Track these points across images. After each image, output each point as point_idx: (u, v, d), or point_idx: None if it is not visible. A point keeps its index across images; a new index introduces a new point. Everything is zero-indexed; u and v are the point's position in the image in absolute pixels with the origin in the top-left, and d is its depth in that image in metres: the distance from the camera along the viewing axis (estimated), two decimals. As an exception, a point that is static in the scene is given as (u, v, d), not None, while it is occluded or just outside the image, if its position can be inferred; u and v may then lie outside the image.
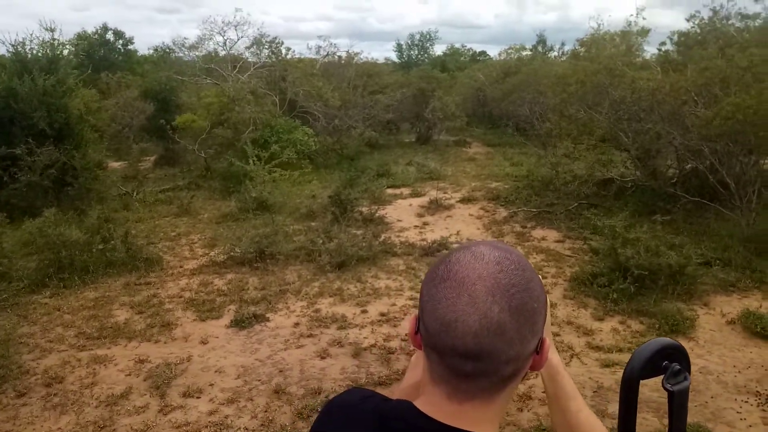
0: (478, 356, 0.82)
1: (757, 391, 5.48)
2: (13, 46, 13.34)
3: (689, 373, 1.17)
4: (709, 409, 5.17)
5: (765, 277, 8.30)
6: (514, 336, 0.82)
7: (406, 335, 6.87)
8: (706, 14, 15.80)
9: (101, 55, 31.55)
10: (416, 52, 54.94)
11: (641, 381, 1.14)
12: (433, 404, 0.88)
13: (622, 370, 1.14)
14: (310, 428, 1.03)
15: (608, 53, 15.87)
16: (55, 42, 13.80)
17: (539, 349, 0.88)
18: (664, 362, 1.14)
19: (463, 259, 0.87)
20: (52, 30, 13.64)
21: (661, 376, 1.14)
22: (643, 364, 1.16)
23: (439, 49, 57.25)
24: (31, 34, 13.76)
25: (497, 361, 0.83)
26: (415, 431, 0.88)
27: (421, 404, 0.90)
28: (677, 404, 1.13)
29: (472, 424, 0.86)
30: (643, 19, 16.34)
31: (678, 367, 1.14)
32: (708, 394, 5.41)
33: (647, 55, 18.58)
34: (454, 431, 0.86)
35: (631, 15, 22.60)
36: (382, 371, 6.10)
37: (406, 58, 53.25)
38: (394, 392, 1.18)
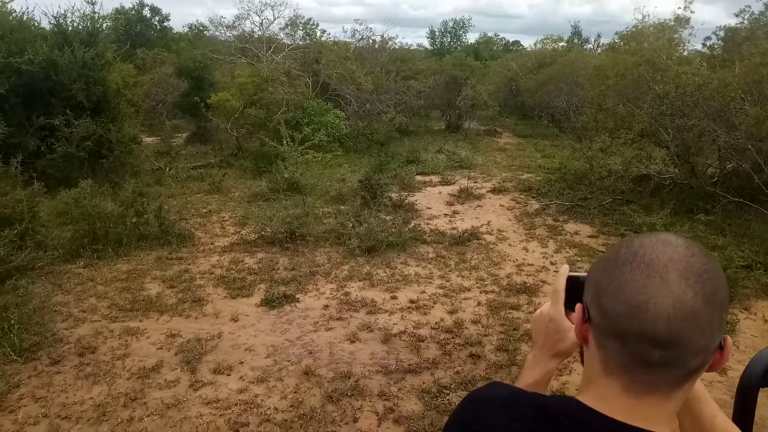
0: (668, 343, 0.76)
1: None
2: (54, 18, 13.46)
3: None
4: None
5: (809, 284, 8.00)
6: (706, 325, 0.76)
7: (436, 324, 6.80)
8: (757, 9, 15.23)
9: (137, 31, 31.82)
10: (449, 39, 54.42)
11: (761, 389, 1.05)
12: (604, 399, 0.81)
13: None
14: (451, 420, 0.95)
15: (651, 46, 15.42)
16: (95, 15, 13.88)
17: (722, 345, 0.80)
18: None
19: (648, 243, 0.81)
20: (93, 3, 13.73)
21: None
22: (764, 371, 1.06)
23: (471, 38, 56.59)
24: (73, 7, 13.89)
25: (686, 350, 0.76)
26: (586, 429, 0.80)
27: (588, 399, 0.83)
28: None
29: (649, 422, 0.78)
30: (692, 12, 15.76)
31: None
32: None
33: (690, 50, 18.05)
34: (631, 429, 0.78)
35: (679, 8, 21.94)
36: (412, 359, 6.04)
37: (438, 45, 52.79)
38: None
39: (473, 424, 0.91)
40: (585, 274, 0.94)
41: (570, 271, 1.11)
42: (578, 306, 0.89)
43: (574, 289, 1.00)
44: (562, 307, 1.10)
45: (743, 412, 1.07)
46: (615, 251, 0.84)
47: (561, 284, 1.09)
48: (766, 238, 9.53)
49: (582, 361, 0.93)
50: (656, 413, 0.80)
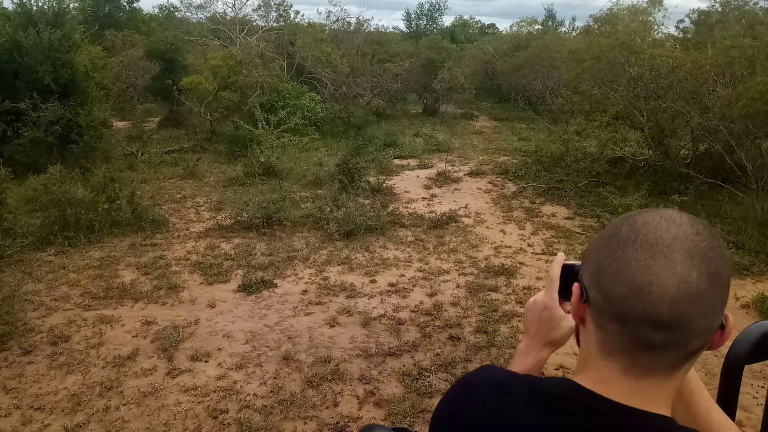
0: (671, 326, 0.73)
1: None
2: (17, -3, 13.00)
3: None
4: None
5: (779, 262, 8.20)
6: (710, 305, 0.74)
7: (415, 306, 6.80)
8: (728, -8, 15.42)
9: (106, 12, 30.84)
10: (425, 22, 54.01)
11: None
12: (602, 381, 0.78)
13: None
14: (441, 405, 0.91)
15: (625, 29, 15.51)
16: (62, -5, 13.44)
17: (724, 323, 0.78)
18: None
19: (652, 220, 0.77)
20: (58, -18, 13.28)
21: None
22: (749, 348, 1.06)
23: (447, 21, 56.35)
24: (37, -14, 13.38)
25: (689, 332, 0.74)
26: (586, 411, 0.77)
27: (585, 381, 0.79)
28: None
29: (648, 403, 0.76)
30: (663, -6, 15.86)
31: None
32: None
33: (664, 33, 18.21)
34: (631, 411, 0.75)
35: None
36: (392, 342, 6.03)
37: (414, 28, 52.36)
38: None
39: (464, 407, 0.87)
40: (580, 263, 0.91)
41: (565, 259, 1.08)
42: (575, 285, 0.85)
43: (569, 278, 0.97)
44: (556, 295, 1.06)
45: (729, 389, 1.06)
46: (615, 229, 0.80)
47: (556, 272, 1.06)
48: (737, 217, 9.73)
49: (578, 342, 0.90)
50: (655, 395, 0.77)
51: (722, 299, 0.75)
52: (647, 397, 0.76)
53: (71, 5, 14.56)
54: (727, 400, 1.10)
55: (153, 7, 50.11)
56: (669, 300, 0.72)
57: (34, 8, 13.05)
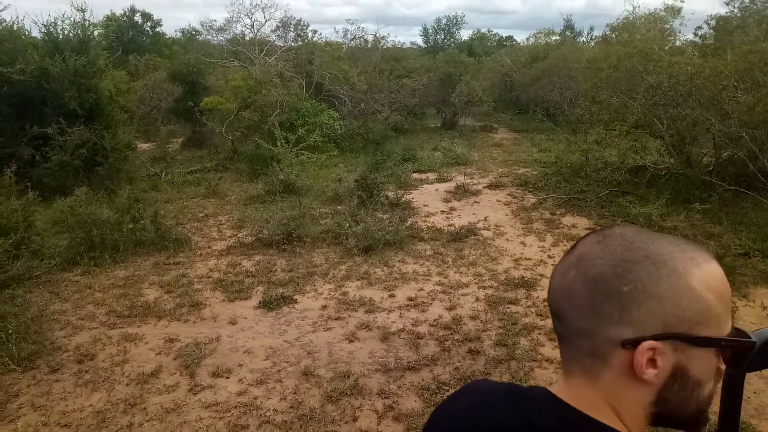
0: (555, 314, 0.82)
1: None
2: (45, 26, 13.45)
3: None
4: (752, 405, 4.99)
5: (807, 269, 8.01)
6: (585, 307, 0.77)
7: (434, 320, 6.81)
8: (747, -3, 15.26)
9: (129, 37, 31.78)
10: (442, 36, 54.38)
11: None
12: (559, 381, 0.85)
13: None
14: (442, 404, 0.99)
15: (643, 37, 15.42)
16: (86, 23, 13.87)
17: (628, 344, 0.75)
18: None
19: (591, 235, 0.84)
20: (83, 10, 13.72)
21: None
22: (752, 356, 1.06)
23: (465, 34, 56.57)
24: (63, 14, 13.89)
25: (569, 327, 0.80)
26: (536, 407, 0.83)
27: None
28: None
29: (582, 404, 0.78)
30: (682, 2, 15.76)
31: None
32: (750, 390, 5.23)
33: (682, 40, 18.06)
34: (567, 409, 0.79)
35: (668, -2, 21.98)
36: (411, 356, 6.03)
37: (432, 43, 52.76)
38: None
39: (438, 411, 0.94)
40: None
41: None
42: None
43: None
44: None
45: (731, 398, 1.06)
46: None
47: None
48: (762, 225, 9.54)
49: None
50: (587, 396, 0.78)
51: (608, 307, 0.75)
52: (579, 396, 0.79)
53: (95, 32, 15.00)
54: (729, 410, 1.10)
55: (175, 31, 51.28)
56: (552, 291, 0.82)
57: (61, 36, 13.49)
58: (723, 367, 0.84)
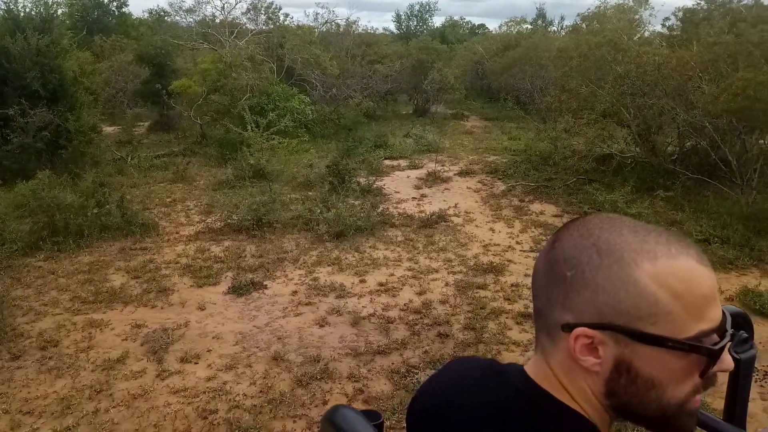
0: (532, 289, 0.83)
1: (756, 368, 5.49)
2: (4, 2, 13.00)
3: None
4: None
5: (763, 255, 8.30)
6: (542, 287, 0.79)
7: (404, 305, 6.86)
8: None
9: (95, 17, 30.81)
10: (415, 23, 54.11)
11: None
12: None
13: None
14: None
15: (613, 27, 15.62)
16: (49, 1, 13.41)
17: (567, 328, 0.75)
18: (731, 330, 1.09)
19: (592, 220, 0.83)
20: (45, -12, 13.27)
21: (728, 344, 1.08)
22: None
23: (438, 21, 56.47)
24: (24, -8, 13.40)
25: (535, 306, 0.82)
26: (504, 378, 0.85)
27: None
28: (744, 372, 1.08)
29: (542, 380, 0.80)
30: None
31: (746, 335, 1.08)
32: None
33: (651, 31, 18.36)
34: (524, 379, 0.81)
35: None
36: (381, 340, 6.07)
37: (404, 29, 52.43)
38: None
39: (420, 389, 0.95)
40: None
41: None
42: None
43: None
44: None
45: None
46: None
47: None
48: (722, 212, 9.83)
49: None
50: (545, 372, 0.80)
51: (556, 292, 0.76)
52: (540, 372, 0.80)
53: (59, 11, 14.52)
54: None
55: (143, 12, 50.02)
56: (533, 269, 0.83)
57: (22, 14, 13.03)
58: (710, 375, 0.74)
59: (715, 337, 0.71)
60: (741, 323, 1.08)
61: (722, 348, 0.71)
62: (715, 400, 4.46)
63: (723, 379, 1.16)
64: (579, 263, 0.73)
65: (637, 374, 0.72)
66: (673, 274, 0.70)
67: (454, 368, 0.96)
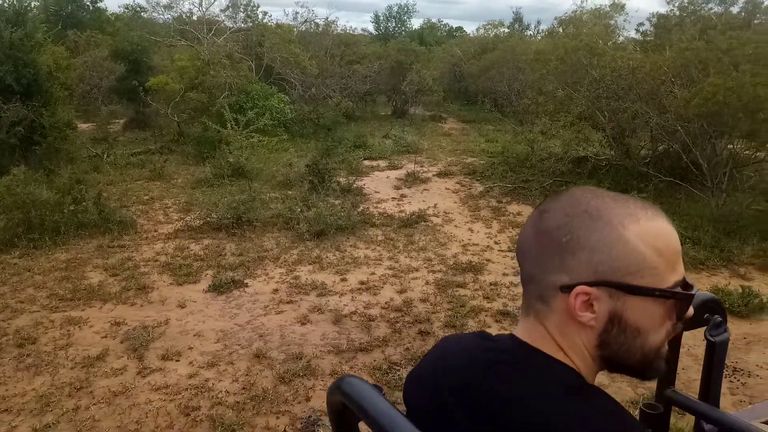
0: (518, 260, 0.90)
1: (726, 364, 5.68)
2: (-24, -4, 12.71)
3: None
4: (681, 380, 5.33)
5: (733, 256, 8.56)
6: (535, 256, 0.85)
7: (386, 303, 6.92)
8: (685, -2, 15.96)
9: (69, 11, 30.24)
10: (393, 24, 54.24)
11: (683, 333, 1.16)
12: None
13: None
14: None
15: (589, 31, 15.92)
16: (23, -6, 13.16)
17: (566, 288, 0.83)
18: (706, 315, 1.16)
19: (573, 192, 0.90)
20: (19, -19, 13.01)
21: (703, 328, 1.16)
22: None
23: (416, 23, 56.65)
24: (-4, -16, 13.10)
25: (525, 275, 0.88)
26: (495, 345, 0.91)
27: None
28: (718, 355, 1.16)
29: (535, 340, 0.86)
30: (625, -1, 16.34)
31: (719, 319, 1.16)
32: (680, 366, 5.58)
33: (625, 36, 18.74)
34: (518, 343, 0.88)
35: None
36: (363, 338, 6.13)
37: (383, 30, 52.53)
38: None
39: (414, 367, 1.02)
40: None
41: None
42: None
43: None
44: None
45: (670, 354, 1.18)
46: None
47: None
48: (693, 214, 10.11)
49: None
50: (539, 334, 0.87)
51: (552, 257, 0.83)
52: (531, 334, 0.87)
53: (32, 4, 14.25)
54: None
55: (119, 7, 49.17)
56: (517, 243, 0.90)
57: (-6, 7, 12.78)
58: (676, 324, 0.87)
59: (686, 285, 0.83)
60: (715, 308, 1.17)
61: (693, 294, 0.83)
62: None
63: (698, 365, 1.24)
64: (573, 228, 0.81)
65: (627, 324, 0.82)
66: (655, 233, 0.81)
67: (449, 340, 1.03)
